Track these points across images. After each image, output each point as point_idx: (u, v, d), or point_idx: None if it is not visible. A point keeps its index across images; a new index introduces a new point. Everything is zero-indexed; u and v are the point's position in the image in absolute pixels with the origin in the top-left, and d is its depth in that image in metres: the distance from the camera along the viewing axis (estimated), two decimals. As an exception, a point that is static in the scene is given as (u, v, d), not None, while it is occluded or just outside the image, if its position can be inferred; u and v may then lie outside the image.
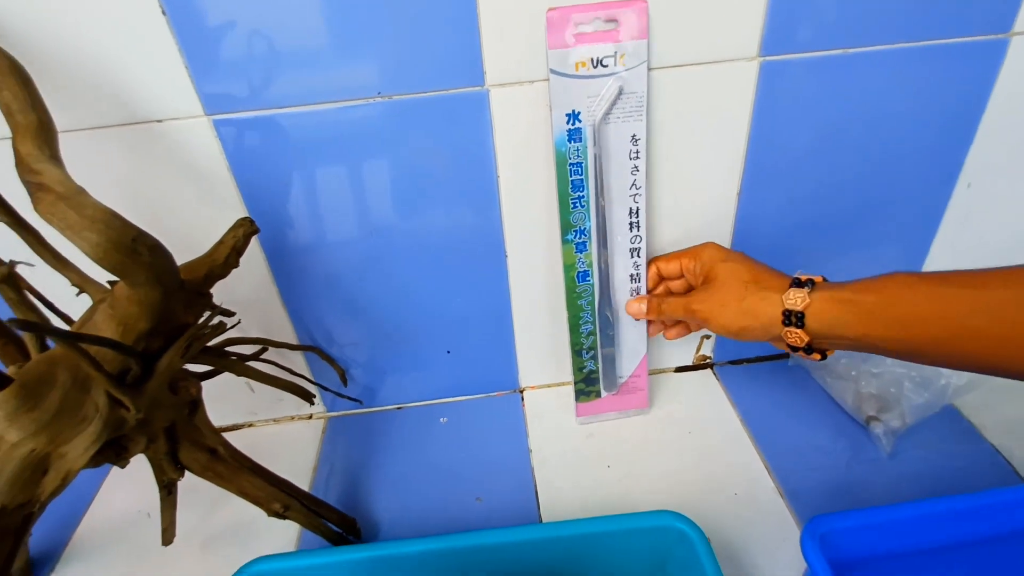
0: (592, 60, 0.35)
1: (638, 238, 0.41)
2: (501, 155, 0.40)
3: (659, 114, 0.39)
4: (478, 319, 0.48)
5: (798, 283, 0.33)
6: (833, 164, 0.43)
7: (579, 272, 0.42)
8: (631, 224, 0.41)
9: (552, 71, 0.35)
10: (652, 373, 0.54)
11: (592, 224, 0.40)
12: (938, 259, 0.49)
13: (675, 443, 0.47)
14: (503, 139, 0.39)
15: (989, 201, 0.46)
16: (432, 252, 0.44)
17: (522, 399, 0.53)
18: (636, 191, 0.40)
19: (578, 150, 0.37)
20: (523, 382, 0.53)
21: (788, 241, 0.46)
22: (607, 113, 0.36)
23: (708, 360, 0.54)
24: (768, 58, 0.37)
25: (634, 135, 0.38)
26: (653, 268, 0.42)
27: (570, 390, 0.48)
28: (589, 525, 0.33)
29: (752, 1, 0.35)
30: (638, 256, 0.42)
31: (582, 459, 0.46)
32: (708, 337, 0.52)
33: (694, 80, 0.38)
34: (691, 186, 0.43)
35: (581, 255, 0.41)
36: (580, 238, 0.40)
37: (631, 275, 0.42)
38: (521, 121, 0.38)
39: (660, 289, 0.43)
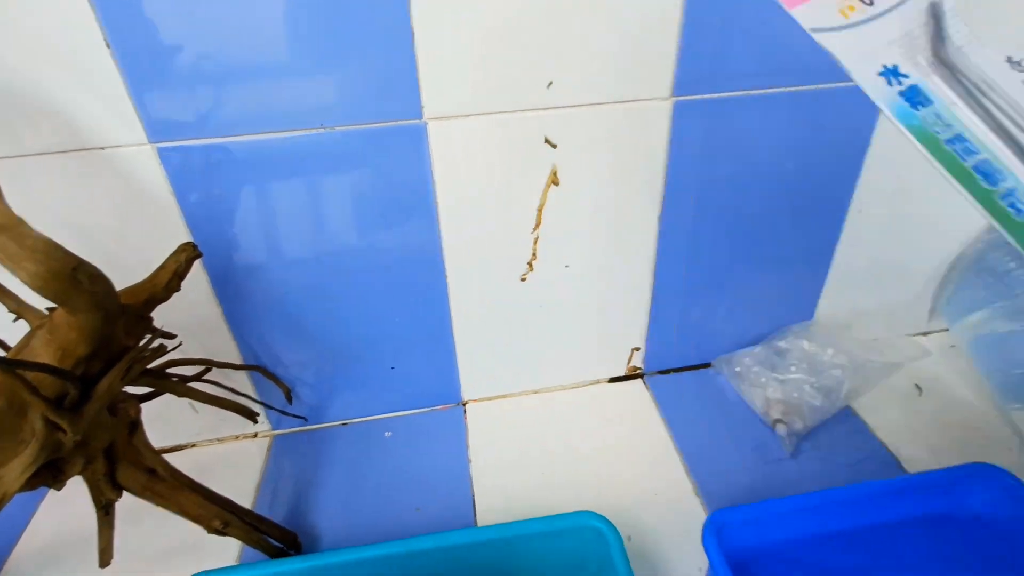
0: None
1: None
2: (440, 183, 0.42)
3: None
4: (420, 336, 0.51)
5: None
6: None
7: None
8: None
9: (814, 32, 0.25)
10: (586, 384, 0.57)
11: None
12: (835, 280, 0.55)
13: (606, 450, 0.51)
14: (441, 167, 0.42)
15: (876, 225, 0.52)
16: (375, 272, 0.46)
17: (464, 412, 0.55)
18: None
19: (938, 114, 0.24)
20: (465, 395, 0.56)
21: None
22: (937, 45, 0.24)
23: (639, 371, 0.58)
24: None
25: (1009, 56, 0.24)
26: None
27: (514, 401, 0.51)
28: (514, 528, 0.36)
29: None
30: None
31: (519, 468, 0.49)
32: (637, 349, 0.57)
33: None
34: None
35: None
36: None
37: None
38: (459, 150, 0.41)
39: None
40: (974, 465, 0.41)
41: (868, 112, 0.46)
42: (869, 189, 0.50)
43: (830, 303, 0.57)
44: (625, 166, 0.44)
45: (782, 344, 0.54)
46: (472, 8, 0.36)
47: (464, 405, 0.56)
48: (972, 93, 0.23)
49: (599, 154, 0.43)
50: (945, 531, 0.41)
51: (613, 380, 0.58)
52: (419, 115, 0.40)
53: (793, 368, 0.51)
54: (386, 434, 0.53)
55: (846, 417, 0.53)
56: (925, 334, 0.62)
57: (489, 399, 0.57)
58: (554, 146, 0.42)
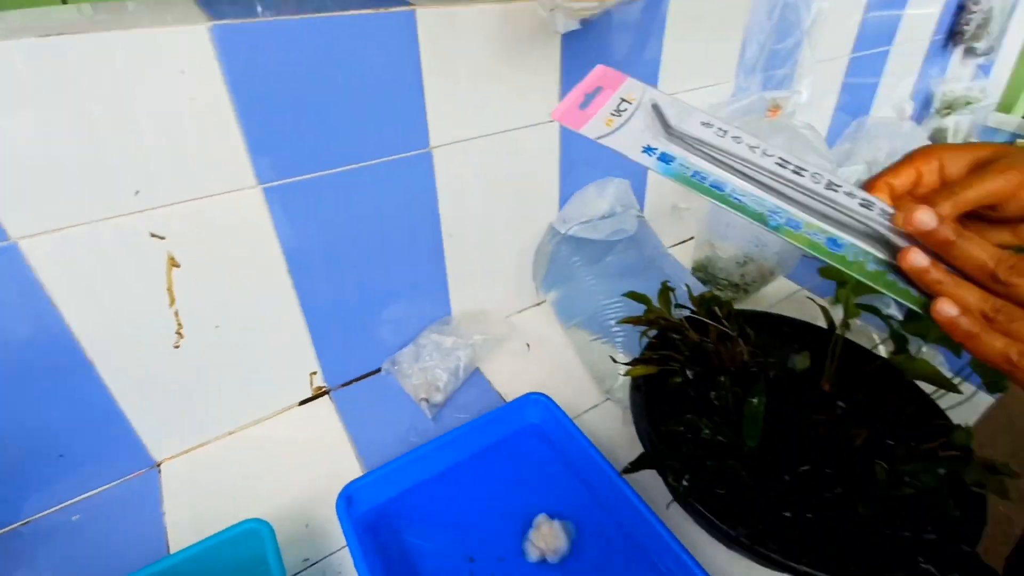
0: (613, 111, 0.36)
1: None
2: (60, 295, 0.47)
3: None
4: (86, 419, 0.54)
5: None
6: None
7: (827, 239, 0.33)
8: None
9: (598, 140, 0.35)
10: (278, 413, 0.67)
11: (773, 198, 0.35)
12: (455, 283, 0.74)
13: (296, 463, 0.61)
14: (59, 275, 0.46)
15: (467, 241, 0.72)
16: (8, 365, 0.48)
17: (159, 472, 0.60)
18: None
19: (682, 163, 0.35)
20: (157, 457, 0.61)
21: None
22: (665, 127, 0.37)
23: (323, 389, 0.70)
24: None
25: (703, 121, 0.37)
26: (884, 188, 0.35)
27: (213, 446, 0.58)
28: (182, 554, 0.44)
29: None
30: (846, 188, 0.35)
31: (217, 516, 0.56)
32: (315, 373, 0.68)
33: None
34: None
35: (800, 230, 0.34)
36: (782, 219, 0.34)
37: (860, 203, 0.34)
38: (71, 256, 0.46)
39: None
40: (529, 395, 0.63)
41: (427, 170, 0.64)
42: (450, 219, 0.69)
43: (460, 301, 0.76)
44: (240, 239, 0.54)
45: (422, 340, 0.71)
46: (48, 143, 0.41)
47: (159, 466, 0.61)
48: (693, 146, 0.36)
49: (216, 234, 0.53)
50: (516, 444, 0.63)
51: (303, 402, 0.69)
52: (4, 237, 0.43)
53: (427, 357, 0.69)
54: (73, 518, 0.56)
55: (478, 380, 0.73)
56: (538, 304, 0.86)
57: (186, 452, 0.62)
58: (162, 238, 0.50)
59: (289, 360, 0.65)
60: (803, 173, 0.36)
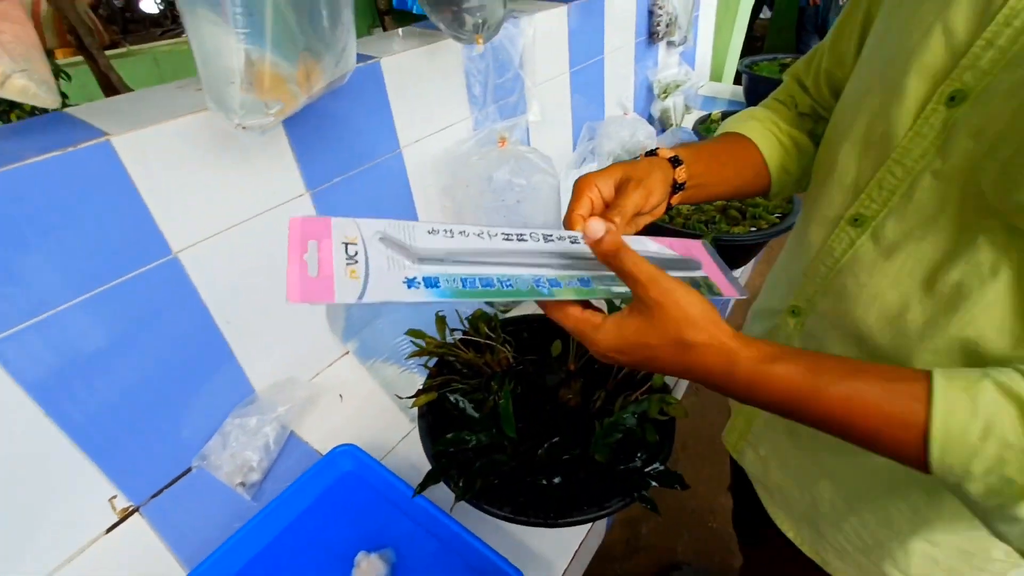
0: (347, 261, 0.34)
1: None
2: None
3: None
4: None
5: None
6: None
7: (579, 281, 0.40)
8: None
9: (358, 301, 0.33)
10: (85, 547, 0.65)
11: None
12: (248, 366, 0.77)
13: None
14: None
15: (247, 327, 0.76)
16: None
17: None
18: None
19: (446, 277, 0.36)
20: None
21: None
22: (409, 254, 0.36)
23: (130, 509, 0.69)
24: None
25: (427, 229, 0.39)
26: (579, 220, 0.44)
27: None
28: None
29: None
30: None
31: None
32: (115, 497, 0.67)
33: None
34: None
35: (561, 287, 0.39)
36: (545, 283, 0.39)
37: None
38: None
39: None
40: (336, 448, 0.70)
41: (177, 273, 0.66)
42: (221, 309, 0.71)
43: (261, 376, 0.79)
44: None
45: (227, 427, 0.74)
46: None
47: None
48: (442, 259, 0.36)
49: None
50: (335, 495, 0.69)
51: (111, 529, 0.68)
52: None
53: (234, 443, 0.71)
54: None
55: (295, 444, 0.77)
56: (345, 354, 0.92)
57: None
58: None
59: (77, 493, 0.64)
60: (525, 237, 0.41)
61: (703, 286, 0.45)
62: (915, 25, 0.38)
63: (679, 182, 0.51)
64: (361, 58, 0.80)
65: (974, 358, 0.38)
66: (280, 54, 0.52)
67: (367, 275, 0.33)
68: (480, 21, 0.72)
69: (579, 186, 0.47)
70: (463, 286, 0.36)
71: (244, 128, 0.52)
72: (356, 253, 0.34)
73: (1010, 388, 0.31)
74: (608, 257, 0.37)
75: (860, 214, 0.43)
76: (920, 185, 0.39)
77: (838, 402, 0.34)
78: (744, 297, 0.48)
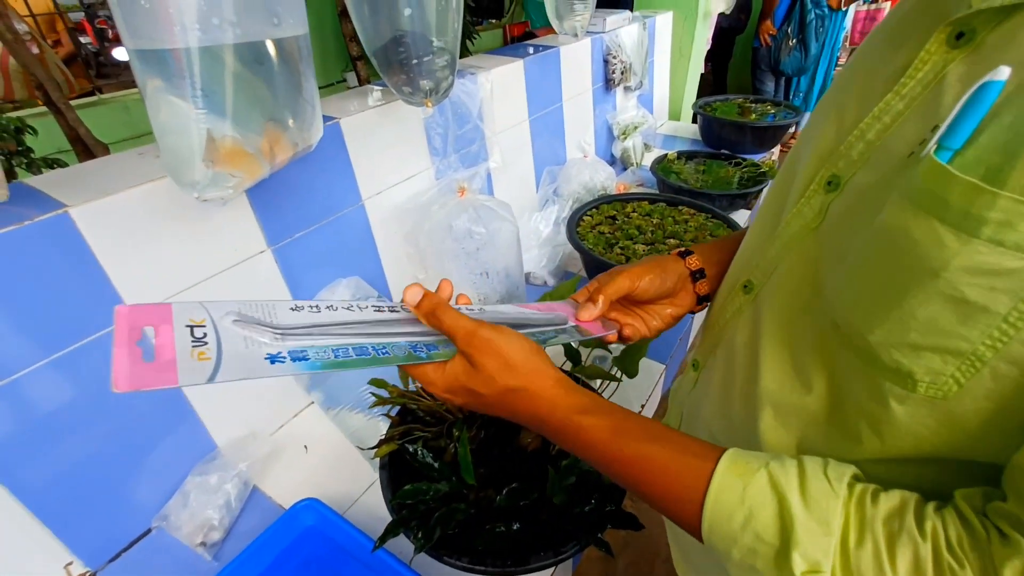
0: (193, 343, 0.32)
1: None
2: None
3: None
4: None
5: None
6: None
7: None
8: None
9: (209, 383, 0.31)
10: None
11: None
12: (220, 430, 0.77)
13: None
14: None
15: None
16: None
17: None
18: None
19: (316, 349, 0.35)
20: None
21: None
22: (270, 331, 0.35)
23: (87, 575, 0.68)
24: None
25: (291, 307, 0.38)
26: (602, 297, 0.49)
27: None
28: None
29: None
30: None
31: None
32: (71, 563, 0.66)
33: None
34: None
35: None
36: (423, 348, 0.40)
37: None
38: None
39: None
40: (298, 503, 0.70)
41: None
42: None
43: (223, 432, 0.80)
44: None
45: (187, 486, 0.73)
46: None
47: None
48: (310, 333, 0.36)
49: None
50: (298, 551, 0.69)
51: (65, 597, 0.66)
52: None
53: (195, 501, 0.71)
54: None
55: (258, 500, 0.77)
56: (309, 404, 0.93)
57: None
58: None
59: (31, 561, 0.62)
60: (397, 310, 0.42)
61: (571, 332, 0.49)
62: (826, 106, 0.39)
63: (693, 269, 0.54)
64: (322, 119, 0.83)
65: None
66: (241, 128, 0.55)
67: (219, 355, 0.32)
68: (428, 87, 0.76)
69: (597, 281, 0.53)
70: (335, 356, 0.35)
71: (204, 201, 0.54)
72: (204, 335, 0.32)
73: (778, 483, 0.31)
74: (428, 317, 0.40)
75: (749, 281, 0.44)
76: (787, 262, 0.40)
77: (631, 463, 0.36)
78: (613, 329, 0.51)
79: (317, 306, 0.39)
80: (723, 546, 0.32)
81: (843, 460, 0.33)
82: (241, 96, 0.53)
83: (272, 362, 0.33)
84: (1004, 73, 0.25)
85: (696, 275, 0.55)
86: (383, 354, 0.38)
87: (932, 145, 0.27)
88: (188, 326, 0.33)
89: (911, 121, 0.31)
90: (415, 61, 0.74)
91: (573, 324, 0.51)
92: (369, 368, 0.37)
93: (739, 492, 0.32)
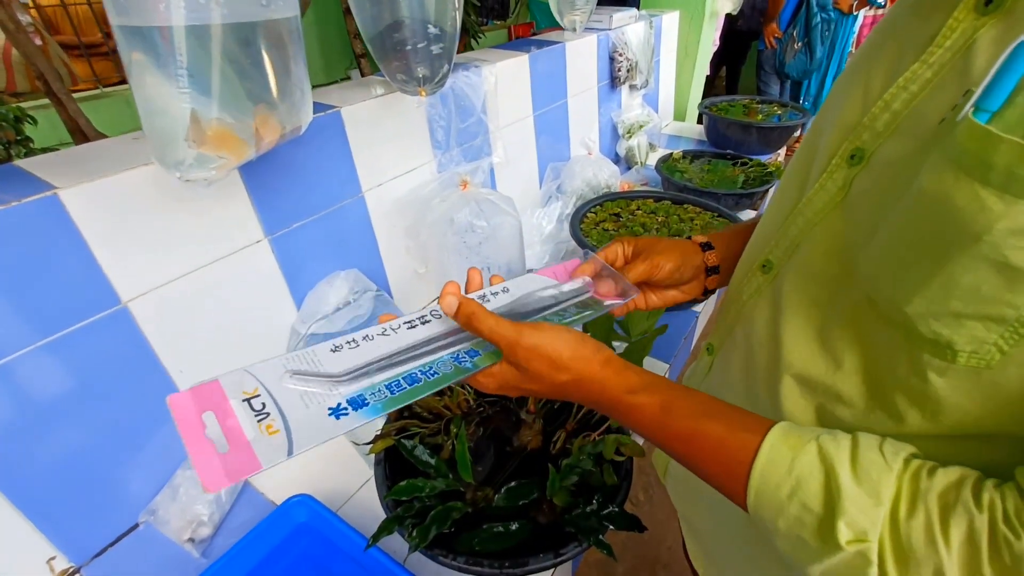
0: (257, 417, 0.32)
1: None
2: None
3: None
4: None
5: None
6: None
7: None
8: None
9: (289, 457, 0.31)
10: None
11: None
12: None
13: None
14: None
15: (202, 376, 0.74)
16: None
17: None
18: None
19: (373, 390, 0.35)
20: None
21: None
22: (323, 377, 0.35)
23: (71, 569, 0.66)
24: None
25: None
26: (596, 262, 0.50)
27: None
28: None
29: None
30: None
31: None
32: (54, 558, 0.64)
33: None
34: None
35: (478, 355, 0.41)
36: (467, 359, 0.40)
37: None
38: None
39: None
40: (291, 499, 0.68)
41: (126, 324, 0.65)
42: (175, 359, 0.70)
43: (215, 424, 0.78)
44: None
45: (177, 480, 0.71)
46: None
47: None
48: (358, 374, 0.35)
49: None
50: (290, 547, 0.67)
51: (49, 592, 0.64)
52: None
53: (184, 496, 0.69)
54: None
55: (250, 496, 0.75)
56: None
57: None
58: None
59: (9, 555, 0.60)
60: (427, 318, 0.42)
61: (591, 307, 0.48)
62: (848, 80, 0.39)
63: (710, 265, 0.55)
64: (322, 107, 0.82)
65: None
66: (228, 109, 0.53)
67: (286, 424, 0.31)
68: (422, 75, 0.75)
69: (613, 242, 0.54)
70: (391, 392, 0.35)
71: (188, 181, 0.53)
72: (264, 406, 0.32)
73: (827, 454, 0.31)
74: (467, 325, 0.41)
75: (768, 261, 0.43)
76: (811, 239, 0.39)
77: (682, 439, 0.37)
78: (634, 296, 0.50)
79: (354, 340, 0.38)
80: (770, 517, 0.32)
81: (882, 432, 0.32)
82: (229, 77, 0.52)
83: (337, 417, 0.32)
84: None
85: (710, 270, 0.55)
86: (433, 376, 0.38)
87: (969, 108, 0.26)
88: (244, 400, 0.32)
89: (941, 88, 0.31)
90: (410, 47, 0.72)
91: (590, 295, 0.49)
92: (427, 393, 0.37)
93: (788, 463, 0.32)
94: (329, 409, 0.32)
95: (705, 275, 0.55)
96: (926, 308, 0.29)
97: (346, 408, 0.33)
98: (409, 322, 0.42)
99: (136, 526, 0.71)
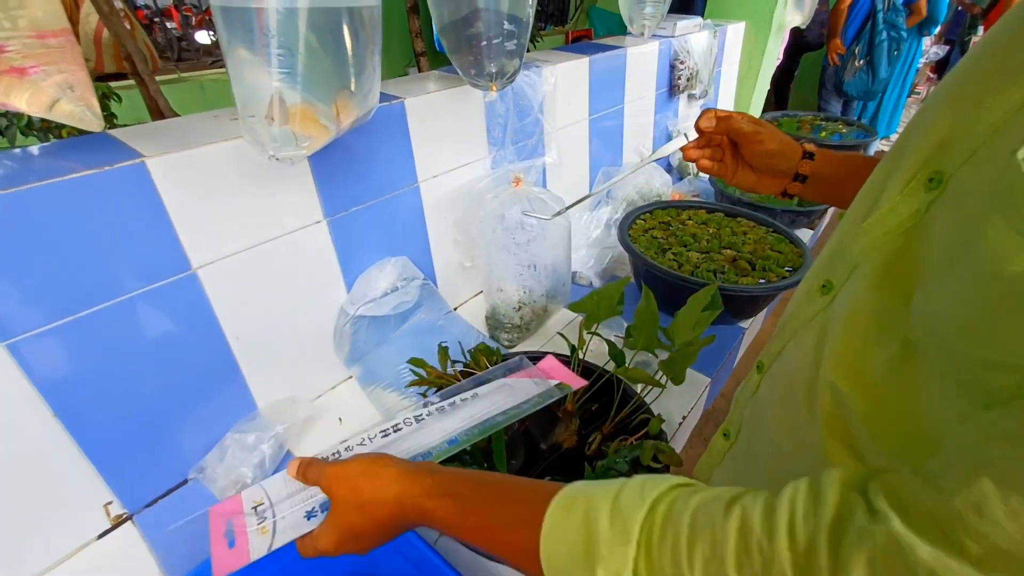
0: (258, 523, 0.44)
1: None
2: None
3: None
4: None
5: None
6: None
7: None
8: None
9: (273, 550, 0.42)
10: (75, 552, 0.66)
11: None
12: (253, 382, 0.79)
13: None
14: None
15: (256, 345, 0.78)
16: None
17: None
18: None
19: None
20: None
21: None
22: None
23: (124, 516, 0.70)
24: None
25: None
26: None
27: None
28: None
29: None
30: None
31: None
32: (110, 503, 0.68)
33: None
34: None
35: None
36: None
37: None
38: None
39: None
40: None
41: (194, 288, 0.69)
42: (233, 325, 0.74)
43: (265, 394, 0.81)
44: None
45: (227, 441, 0.75)
46: None
47: (-74, 650, 0.57)
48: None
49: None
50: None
51: (103, 535, 0.68)
52: None
53: (231, 457, 0.72)
54: None
55: (291, 466, 0.78)
56: (348, 378, 0.93)
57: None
58: None
59: (75, 496, 0.65)
60: (400, 426, 0.52)
61: (558, 387, 0.59)
62: (940, 97, 0.36)
63: (801, 173, 0.59)
64: (387, 98, 0.84)
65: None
66: (313, 92, 0.56)
67: (275, 526, 0.42)
68: (494, 70, 0.76)
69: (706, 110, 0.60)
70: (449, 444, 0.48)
71: (277, 160, 0.55)
72: (265, 510, 0.44)
73: (591, 507, 0.32)
74: (301, 476, 0.45)
75: (828, 281, 0.41)
76: (870, 263, 0.36)
77: (475, 533, 0.38)
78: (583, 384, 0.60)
79: (338, 452, 0.49)
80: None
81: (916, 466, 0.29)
82: (316, 60, 0.54)
83: (309, 519, 0.43)
84: None
85: (799, 176, 0.59)
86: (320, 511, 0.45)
87: None
88: (253, 507, 0.45)
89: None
90: (485, 42, 0.74)
91: (555, 381, 0.59)
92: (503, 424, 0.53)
93: (562, 527, 0.32)
94: (306, 512, 0.43)
95: (792, 179, 0.59)
96: (980, 355, 0.26)
97: (317, 511, 0.43)
98: (383, 431, 0.51)
99: (185, 481, 0.74)
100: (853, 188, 0.46)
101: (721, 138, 0.62)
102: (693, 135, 0.64)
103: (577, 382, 0.60)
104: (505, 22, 0.74)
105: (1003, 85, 0.29)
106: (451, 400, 0.56)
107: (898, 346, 0.32)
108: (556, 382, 0.59)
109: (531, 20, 0.80)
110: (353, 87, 0.60)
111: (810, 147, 0.60)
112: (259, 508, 0.44)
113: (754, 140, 0.57)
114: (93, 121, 0.49)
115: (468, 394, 0.57)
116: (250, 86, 0.53)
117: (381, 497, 0.41)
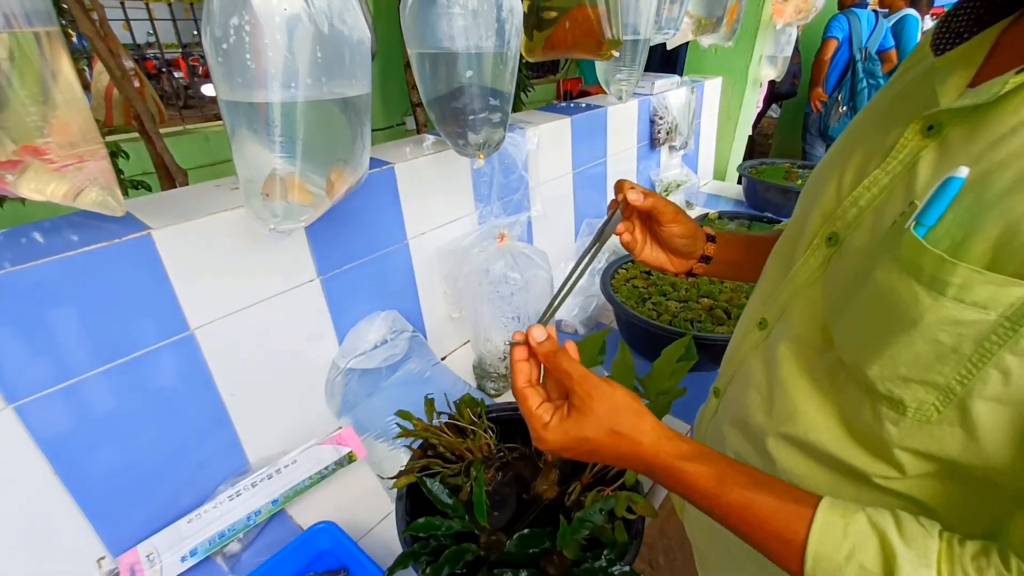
0: None
1: None
2: None
3: None
4: None
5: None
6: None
7: None
8: None
9: None
10: None
11: None
12: (245, 436, 0.82)
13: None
14: None
15: (249, 401, 0.81)
16: None
17: None
18: None
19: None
20: None
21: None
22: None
23: (116, 570, 0.72)
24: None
25: None
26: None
27: None
28: None
29: None
30: None
31: None
32: (103, 557, 0.70)
33: None
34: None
35: None
36: None
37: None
38: None
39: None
40: (316, 525, 0.72)
41: (191, 348, 0.73)
42: (227, 382, 0.77)
43: (256, 449, 0.84)
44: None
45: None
46: None
47: None
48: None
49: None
50: (314, 568, 0.71)
51: (94, 591, 0.70)
52: None
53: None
54: None
55: (280, 518, 0.80)
56: (338, 429, 0.96)
57: None
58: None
59: (69, 550, 0.67)
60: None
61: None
62: (828, 168, 0.47)
63: (706, 254, 0.64)
64: (378, 163, 0.90)
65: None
66: (310, 167, 0.61)
67: (162, 567, 0.65)
68: (481, 141, 0.82)
69: (622, 183, 0.58)
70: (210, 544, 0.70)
71: (278, 232, 0.60)
72: (155, 557, 0.67)
73: (876, 522, 0.35)
74: (547, 357, 0.45)
75: (764, 319, 0.51)
76: (796, 306, 0.47)
77: (735, 509, 0.39)
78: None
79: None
80: None
81: (862, 471, 0.42)
82: (313, 141, 0.60)
83: (183, 560, 0.64)
84: (964, 172, 0.31)
85: (704, 258, 0.63)
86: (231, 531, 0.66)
87: (912, 221, 0.33)
88: (147, 555, 0.68)
89: (893, 194, 0.39)
90: (471, 116, 0.80)
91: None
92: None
93: (841, 529, 0.35)
94: (180, 557, 0.63)
95: (696, 260, 0.64)
96: (881, 372, 0.37)
97: (187, 555, 0.64)
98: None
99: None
100: (751, 265, 0.61)
101: (632, 213, 0.61)
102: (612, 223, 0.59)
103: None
104: (489, 97, 0.81)
105: (872, 168, 0.41)
106: None
107: (828, 362, 0.43)
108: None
109: (512, 92, 0.87)
110: (346, 160, 0.66)
111: (710, 231, 0.64)
112: (150, 556, 0.65)
113: (673, 220, 0.58)
114: (116, 208, 0.54)
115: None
116: (253, 165, 0.59)
117: (637, 438, 0.42)
